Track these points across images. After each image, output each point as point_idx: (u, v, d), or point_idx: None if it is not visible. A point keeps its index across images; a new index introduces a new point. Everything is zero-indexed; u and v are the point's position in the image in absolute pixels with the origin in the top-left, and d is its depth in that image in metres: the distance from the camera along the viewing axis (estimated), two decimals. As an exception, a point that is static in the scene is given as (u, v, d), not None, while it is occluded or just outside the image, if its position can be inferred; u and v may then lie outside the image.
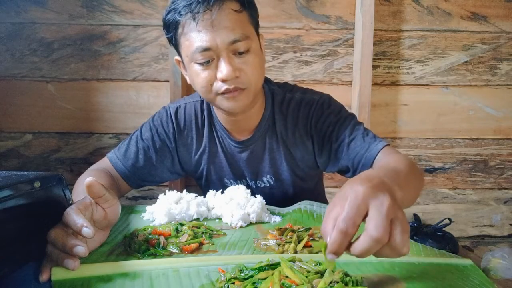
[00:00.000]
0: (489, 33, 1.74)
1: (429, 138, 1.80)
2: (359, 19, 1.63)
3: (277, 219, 0.86)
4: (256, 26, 0.93)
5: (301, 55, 1.72)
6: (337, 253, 0.51)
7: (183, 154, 1.09)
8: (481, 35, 1.74)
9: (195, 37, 0.85)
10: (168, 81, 1.66)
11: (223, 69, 0.86)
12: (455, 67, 1.76)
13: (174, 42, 0.93)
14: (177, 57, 0.98)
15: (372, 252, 0.49)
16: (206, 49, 0.85)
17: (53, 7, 1.66)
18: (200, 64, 0.88)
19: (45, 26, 1.67)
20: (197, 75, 0.90)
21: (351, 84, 1.73)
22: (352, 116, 1.04)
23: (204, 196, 0.92)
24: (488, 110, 1.79)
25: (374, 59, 1.67)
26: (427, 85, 1.77)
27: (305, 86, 1.12)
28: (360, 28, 1.62)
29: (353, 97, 1.70)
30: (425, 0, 1.72)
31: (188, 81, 0.98)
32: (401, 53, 1.74)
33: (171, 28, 0.89)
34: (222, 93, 0.90)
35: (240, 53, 0.87)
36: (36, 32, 1.67)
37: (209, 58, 0.87)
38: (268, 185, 1.09)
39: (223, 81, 0.87)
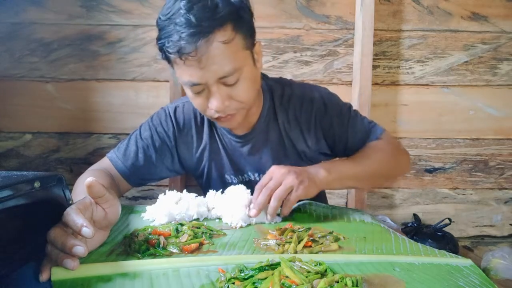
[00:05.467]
0: (490, 33, 1.74)
1: (429, 138, 1.80)
2: (359, 19, 1.63)
3: (277, 219, 0.86)
4: (250, 42, 0.90)
5: (301, 55, 1.72)
6: (259, 209, 0.82)
7: (184, 152, 1.10)
8: (481, 35, 1.74)
9: (184, 71, 0.85)
10: (167, 81, 1.66)
11: (213, 102, 0.88)
12: (455, 67, 1.76)
13: (168, 62, 0.92)
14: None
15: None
16: (196, 84, 0.86)
17: (52, 7, 1.66)
18: (192, 92, 0.90)
19: (44, 26, 1.67)
20: (191, 99, 0.94)
21: (351, 84, 1.73)
22: (349, 109, 1.10)
23: (204, 195, 0.93)
24: (488, 110, 1.79)
25: (374, 59, 1.67)
26: (427, 85, 1.77)
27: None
28: (360, 28, 1.62)
29: (353, 97, 1.70)
30: (425, 0, 1.72)
31: None
32: (401, 53, 1.74)
33: (162, 52, 0.88)
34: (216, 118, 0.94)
35: (230, 84, 0.88)
36: (35, 32, 1.67)
37: (200, 90, 0.88)
38: None
39: (215, 110, 0.90)
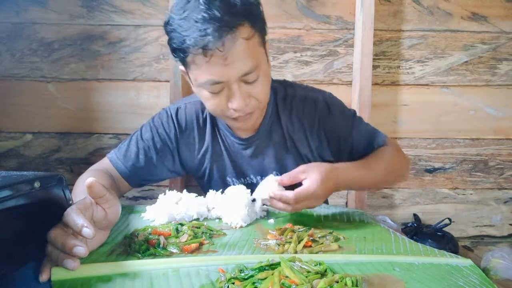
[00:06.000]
0: (489, 33, 1.74)
1: (429, 138, 1.80)
2: (359, 19, 1.63)
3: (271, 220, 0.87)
4: (264, 40, 0.92)
5: (301, 55, 1.72)
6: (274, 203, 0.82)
7: (185, 154, 1.10)
8: (481, 35, 1.74)
9: (206, 69, 0.83)
10: (168, 81, 1.66)
11: (235, 101, 0.87)
12: (455, 67, 1.76)
13: (182, 63, 0.90)
14: (182, 68, 0.94)
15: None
16: (217, 82, 0.85)
17: (53, 7, 1.66)
18: (210, 92, 0.88)
19: (45, 26, 1.67)
20: (207, 100, 0.91)
21: (351, 84, 1.73)
22: (354, 114, 1.10)
23: (205, 195, 0.93)
24: (488, 110, 1.79)
25: (374, 59, 1.67)
26: (427, 85, 1.77)
27: (305, 86, 1.12)
28: (360, 28, 1.62)
29: (353, 97, 1.70)
30: (425, 0, 1.72)
31: (194, 90, 0.97)
32: (401, 53, 1.74)
33: (178, 52, 0.85)
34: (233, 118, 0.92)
35: (250, 82, 0.87)
36: (36, 32, 1.67)
37: (219, 89, 0.86)
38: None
39: (234, 109, 0.89)
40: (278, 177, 0.84)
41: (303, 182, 0.83)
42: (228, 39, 0.79)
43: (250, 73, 0.85)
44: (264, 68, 0.89)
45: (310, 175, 0.83)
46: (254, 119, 0.96)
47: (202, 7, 0.78)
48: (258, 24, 0.87)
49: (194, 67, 0.85)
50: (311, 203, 0.83)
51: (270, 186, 0.83)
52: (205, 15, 0.78)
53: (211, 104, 0.91)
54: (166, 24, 0.86)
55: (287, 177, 0.83)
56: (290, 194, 0.80)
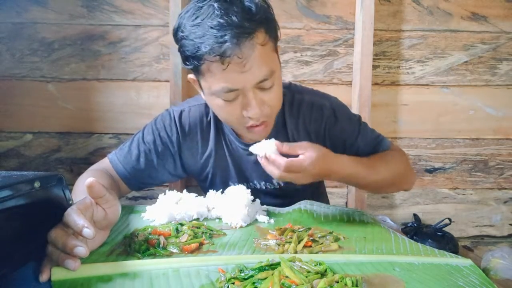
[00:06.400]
0: (489, 33, 1.74)
1: (429, 138, 1.80)
2: (359, 19, 1.63)
3: (271, 220, 0.86)
4: (276, 46, 0.90)
5: (301, 55, 1.72)
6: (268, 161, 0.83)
7: (188, 158, 1.08)
8: (481, 35, 1.74)
9: (222, 77, 0.81)
10: (168, 81, 1.66)
11: (250, 109, 0.85)
12: (455, 67, 1.76)
13: (194, 71, 0.88)
14: (192, 76, 0.93)
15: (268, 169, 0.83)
16: (232, 90, 0.83)
17: (53, 7, 1.66)
18: (224, 99, 0.86)
19: (45, 26, 1.67)
20: (220, 108, 0.89)
21: (351, 84, 1.73)
22: (359, 120, 1.08)
23: (205, 196, 0.93)
24: (488, 110, 1.79)
25: (374, 59, 1.67)
26: (427, 85, 1.77)
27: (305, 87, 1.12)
28: (360, 28, 1.62)
29: (353, 97, 1.70)
30: (425, 0, 1.72)
31: (203, 97, 0.96)
32: (401, 53, 1.74)
33: (192, 60, 0.82)
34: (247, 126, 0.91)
35: (265, 88, 0.86)
36: (36, 32, 1.67)
37: (234, 97, 0.85)
38: (277, 186, 1.08)
39: (250, 117, 0.87)
40: (278, 142, 0.83)
41: (299, 156, 0.82)
42: (246, 46, 0.78)
43: (266, 80, 0.83)
44: (278, 74, 0.88)
45: (308, 152, 0.82)
46: (269, 129, 0.94)
47: (218, 13, 0.77)
48: (272, 29, 0.86)
49: (209, 75, 0.83)
50: (298, 177, 0.82)
51: (268, 146, 0.83)
52: (222, 21, 0.76)
53: (225, 113, 0.89)
54: (176, 31, 0.84)
55: (287, 147, 0.82)
56: (282, 160, 0.79)
